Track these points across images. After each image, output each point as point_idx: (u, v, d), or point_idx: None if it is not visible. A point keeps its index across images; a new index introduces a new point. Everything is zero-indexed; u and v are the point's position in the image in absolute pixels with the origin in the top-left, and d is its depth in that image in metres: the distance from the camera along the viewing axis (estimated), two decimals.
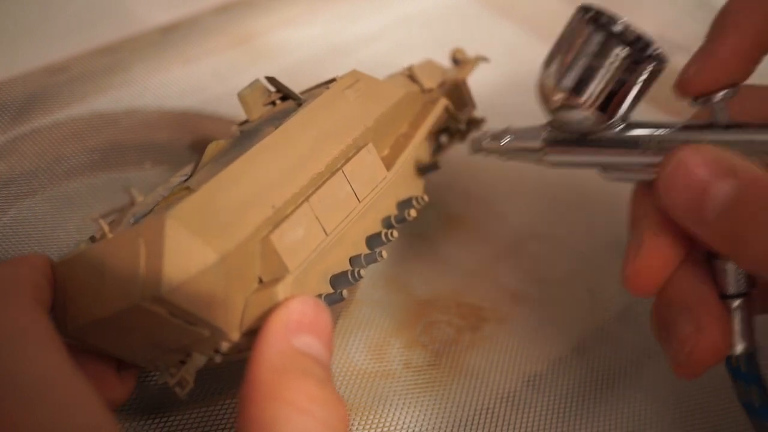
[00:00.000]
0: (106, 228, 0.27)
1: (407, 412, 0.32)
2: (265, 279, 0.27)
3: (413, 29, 0.52)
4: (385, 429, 0.31)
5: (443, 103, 0.35)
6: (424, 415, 0.32)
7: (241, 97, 0.32)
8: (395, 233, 0.30)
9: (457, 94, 0.37)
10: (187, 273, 0.24)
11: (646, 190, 0.31)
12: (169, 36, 0.48)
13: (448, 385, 0.33)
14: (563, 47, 0.30)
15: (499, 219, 0.41)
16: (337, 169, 0.30)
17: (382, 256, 0.29)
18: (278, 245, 0.27)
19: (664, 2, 0.56)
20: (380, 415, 0.32)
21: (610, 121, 0.30)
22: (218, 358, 0.26)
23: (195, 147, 0.41)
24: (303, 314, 0.24)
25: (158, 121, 0.42)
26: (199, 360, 0.27)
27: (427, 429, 0.32)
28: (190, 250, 0.24)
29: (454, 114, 0.36)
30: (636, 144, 0.30)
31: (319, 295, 0.28)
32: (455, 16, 0.54)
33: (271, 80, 0.32)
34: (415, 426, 0.32)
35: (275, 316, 0.23)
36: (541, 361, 0.35)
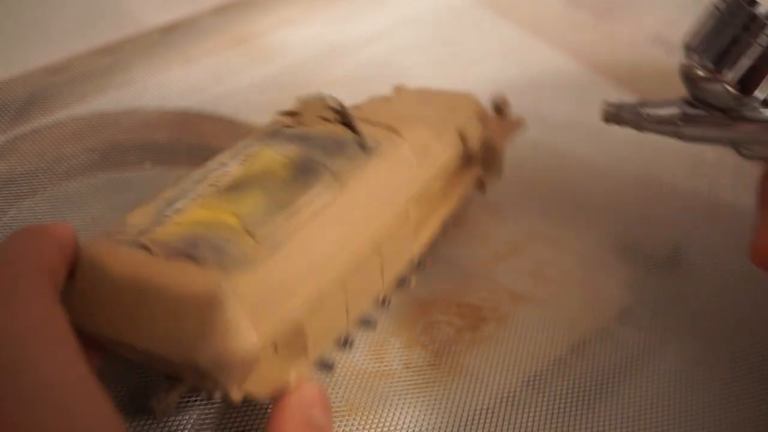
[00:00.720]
0: (151, 245, 0.26)
1: (407, 412, 0.32)
2: (280, 347, 0.27)
3: (413, 30, 0.52)
4: (385, 429, 0.31)
5: (477, 173, 0.36)
6: (424, 415, 0.32)
7: (302, 100, 0.33)
8: (390, 301, 0.32)
9: (491, 157, 0.37)
10: (226, 349, 0.25)
11: None
12: (168, 36, 0.48)
13: (448, 385, 0.33)
14: (709, 24, 0.30)
15: (499, 219, 0.41)
16: (376, 247, 0.30)
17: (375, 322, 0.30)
18: (309, 332, 0.28)
19: (665, 2, 0.56)
20: (380, 415, 0.32)
21: (750, 99, 0.30)
22: (204, 396, 0.27)
23: (195, 147, 0.41)
24: (314, 396, 0.27)
25: (158, 121, 0.42)
26: (186, 389, 0.29)
27: (427, 429, 0.32)
28: (237, 328, 0.25)
29: (482, 178, 0.36)
30: None
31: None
32: (455, 16, 0.54)
33: (340, 105, 0.33)
34: (415, 426, 0.32)
35: (294, 398, 0.27)
36: (541, 361, 0.35)
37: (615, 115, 0.34)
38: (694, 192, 0.42)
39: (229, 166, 0.30)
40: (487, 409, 0.33)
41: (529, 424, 0.32)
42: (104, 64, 0.45)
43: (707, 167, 0.44)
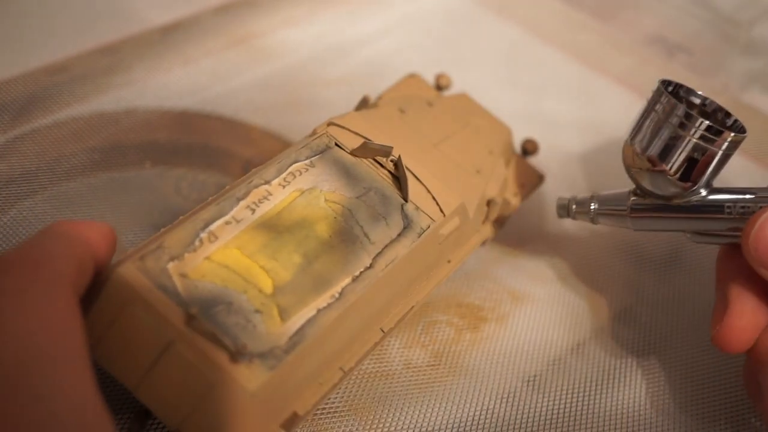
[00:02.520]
0: (183, 291, 0.26)
1: (407, 412, 0.32)
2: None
3: (413, 30, 0.52)
4: (385, 429, 0.31)
5: (486, 234, 0.36)
6: (424, 415, 0.32)
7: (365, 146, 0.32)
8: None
9: (502, 219, 0.37)
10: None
11: (731, 252, 0.33)
12: (169, 36, 0.48)
13: (448, 385, 0.33)
14: (647, 118, 0.32)
15: None
16: (384, 328, 0.31)
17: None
18: (306, 412, 0.28)
19: (664, 2, 0.56)
20: (380, 415, 0.32)
21: (694, 188, 0.32)
22: None
23: (195, 147, 0.41)
24: None
25: (158, 121, 0.42)
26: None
27: (427, 429, 0.32)
28: (247, 425, 0.25)
29: (487, 235, 0.36)
30: (720, 209, 0.32)
31: None
32: (455, 16, 0.54)
33: (399, 160, 0.32)
34: (415, 426, 0.32)
35: None
36: (541, 361, 0.35)
37: (565, 212, 0.36)
38: None
39: (271, 186, 0.30)
40: (487, 409, 0.33)
41: (529, 423, 0.32)
42: (104, 64, 0.45)
43: None
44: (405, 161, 0.32)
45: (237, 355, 0.25)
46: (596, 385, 0.34)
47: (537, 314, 0.37)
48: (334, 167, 0.31)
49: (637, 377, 0.35)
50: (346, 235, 0.29)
